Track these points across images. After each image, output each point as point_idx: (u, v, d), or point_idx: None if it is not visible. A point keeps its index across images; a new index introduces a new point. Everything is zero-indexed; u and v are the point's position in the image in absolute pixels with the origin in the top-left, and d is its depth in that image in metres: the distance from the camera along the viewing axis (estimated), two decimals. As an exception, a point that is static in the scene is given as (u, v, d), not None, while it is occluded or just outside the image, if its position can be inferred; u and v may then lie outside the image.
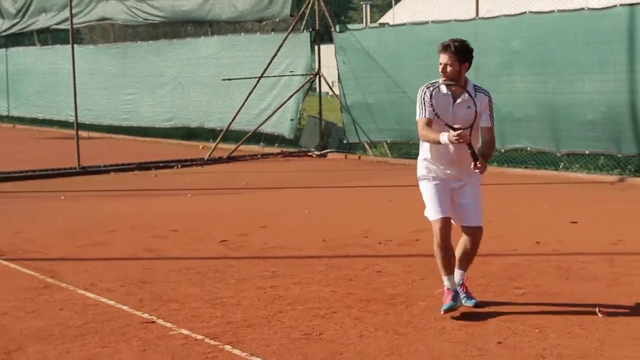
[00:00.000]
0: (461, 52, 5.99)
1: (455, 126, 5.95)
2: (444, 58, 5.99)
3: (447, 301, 6.09)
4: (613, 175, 13.36)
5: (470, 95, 6.06)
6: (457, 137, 5.84)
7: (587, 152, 13.69)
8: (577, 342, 5.46)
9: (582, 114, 13.44)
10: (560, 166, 14.23)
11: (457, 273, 6.30)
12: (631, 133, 12.95)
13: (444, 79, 6.03)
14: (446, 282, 6.19)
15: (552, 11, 13.73)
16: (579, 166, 14.03)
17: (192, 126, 21.07)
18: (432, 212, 6.16)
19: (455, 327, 5.82)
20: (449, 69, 5.98)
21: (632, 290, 6.71)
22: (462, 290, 6.31)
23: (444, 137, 5.92)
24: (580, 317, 5.99)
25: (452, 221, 6.21)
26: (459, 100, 6.07)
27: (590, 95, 13.34)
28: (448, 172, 6.20)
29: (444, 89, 6.08)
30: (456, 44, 6.00)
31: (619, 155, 13.34)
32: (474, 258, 6.38)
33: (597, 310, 6.09)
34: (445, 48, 5.99)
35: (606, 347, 5.34)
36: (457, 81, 6.04)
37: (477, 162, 5.94)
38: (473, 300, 6.31)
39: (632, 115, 12.87)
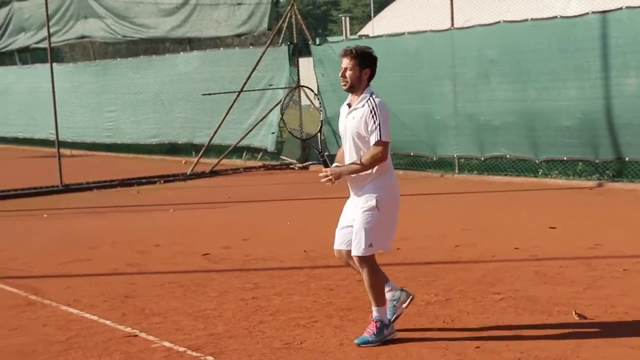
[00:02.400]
0: (362, 57, 5.77)
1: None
2: (344, 62, 5.79)
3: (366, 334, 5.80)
4: (591, 181, 13.50)
5: (358, 106, 5.79)
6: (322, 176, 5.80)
7: (565, 158, 13.83)
8: (554, 344, 5.55)
9: (559, 120, 13.59)
10: (540, 173, 14.36)
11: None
12: (608, 138, 13.09)
13: (344, 84, 5.82)
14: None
15: (526, 20, 13.88)
16: (557, 172, 14.16)
17: (179, 142, 21.07)
18: None
19: (435, 333, 5.90)
20: (348, 73, 5.77)
21: (609, 292, 6.81)
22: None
23: None
24: (558, 320, 6.09)
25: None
26: (350, 111, 5.85)
27: (566, 102, 13.49)
28: (350, 188, 5.94)
29: (347, 99, 5.93)
30: (357, 48, 5.82)
31: (597, 161, 13.47)
32: (374, 290, 5.80)
33: (574, 313, 6.20)
34: (345, 52, 5.79)
35: (582, 349, 5.43)
36: (356, 87, 5.80)
37: (323, 171, 5.79)
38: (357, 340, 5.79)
39: (608, 121, 13.02)
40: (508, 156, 14.59)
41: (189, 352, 5.71)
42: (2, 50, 28.26)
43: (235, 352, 5.66)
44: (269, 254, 8.98)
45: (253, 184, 15.76)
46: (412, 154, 16.26)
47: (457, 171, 15.37)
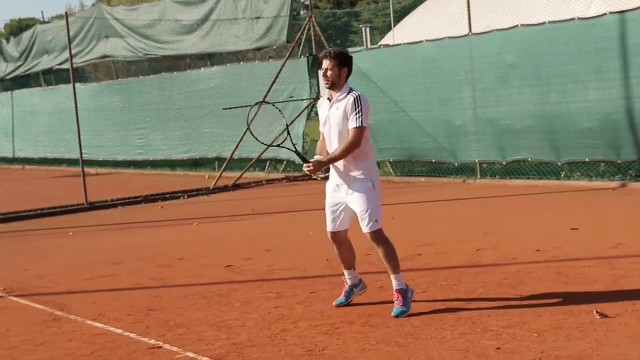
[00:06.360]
0: (339, 57, 6.60)
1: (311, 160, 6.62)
2: (324, 64, 6.60)
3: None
4: (614, 181, 13.46)
5: (340, 97, 6.59)
6: (307, 169, 6.64)
7: (587, 159, 13.80)
8: (575, 343, 5.54)
9: (579, 122, 13.57)
10: (562, 175, 14.33)
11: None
12: (629, 138, 13.06)
13: (326, 82, 6.62)
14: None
15: (543, 23, 13.89)
16: (580, 174, 14.13)
17: (209, 157, 21.19)
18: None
19: (456, 336, 5.91)
20: (329, 72, 6.58)
21: (630, 291, 6.80)
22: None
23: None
24: (579, 319, 6.08)
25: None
26: (332, 103, 6.66)
27: (586, 104, 13.47)
28: (335, 178, 6.78)
29: (326, 95, 6.76)
30: (335, 50, 6.70)
31: (619, 161, 13.43)
32: (391, 260, 6.74)
33: (595, 312, 6.19)
34: (325, 55, 6.63)
35: (603, 347, 5.43)
36: (336, 84, 6.59)
37: (305, 164, 6.63)
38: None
39: (629, 121, 12.99)
40: (530, 159, 14.58)
41: (211, 361, 5.77)
42: (27, 72, 28.64)
43: (257, 360, 5.71)
44: (291, 263, 9.04)
45: (275, 195, 15.84)
46: (433, 160, 16.28)
47: (479, 176, 15.37)
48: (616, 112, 13.09)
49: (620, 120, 13.07)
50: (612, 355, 5.26)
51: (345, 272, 7.05)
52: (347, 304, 7.00)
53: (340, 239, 6.90)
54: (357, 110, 6.47)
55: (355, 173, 6.61)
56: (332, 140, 6.68)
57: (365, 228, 6.59)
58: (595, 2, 15.61)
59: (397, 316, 6.49)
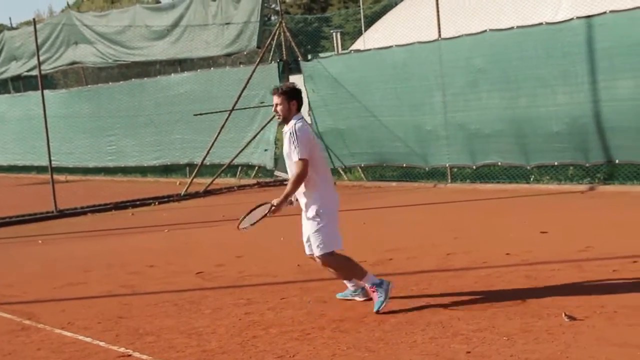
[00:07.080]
0: (287, 93, 6.85)
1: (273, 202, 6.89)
2: (274, 99, 6.88)
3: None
4: (583, 185, 13.57)
5: (286, 130, 6.84)
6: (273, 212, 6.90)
7: (556, 163, 13.90)
8: (544, 346, 5.58)
9: (548, 126, 13.67)
10: (531, 179, 14.42)
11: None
12: (598, 142, 13.17)
13: (278, 117, 6.91)
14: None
15: (512, 28, 13.98)
16: (549, 178, 14.23)
17: (180, 163, 21.10)
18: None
19: (426, 340, 5.92)
20: (279, 107, 6.85)
21: (598, 293, 6.84)
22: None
23: None
24: (548, 322, 6.11)
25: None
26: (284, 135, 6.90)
27: (554, 108, 13.57)
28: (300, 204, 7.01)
29: (285, 128, 6.92)
30: (283, 86, 6.99)
31: (587, 165, 13.54)
32: (348, 275, 7.07)
33: (563, 315, 6.23)
34: (274, 91, 6.90)
35: (572, 350, 5.46)
36: (288, 118, 6.86)
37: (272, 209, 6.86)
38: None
39: (597, 125, 13.10)
40: (500, 163, 14.68)
41: (181, 369, 5.74)
42: (-7, 79, 28.41)
43: (227, 367, 5.69)
44: (263, 269, 9.02)
45: (247, 201, 15.76)
46: (404, 165, 16.33)
47: (449, 181, 15.44)
48: (584, 116, 13.21)
49: (589, 124, 13.19)
50: (581, 358, 5.29)
51: (345, 282, 7.25)
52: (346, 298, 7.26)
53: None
54: (295, 145, 6.68)
55: (306, 202, 6.87)
56: (289, 170, 6.94)
57: (314, 252, 6.92)
58: (563, 7, 15.75)
59: (378, 310, 6.67)
